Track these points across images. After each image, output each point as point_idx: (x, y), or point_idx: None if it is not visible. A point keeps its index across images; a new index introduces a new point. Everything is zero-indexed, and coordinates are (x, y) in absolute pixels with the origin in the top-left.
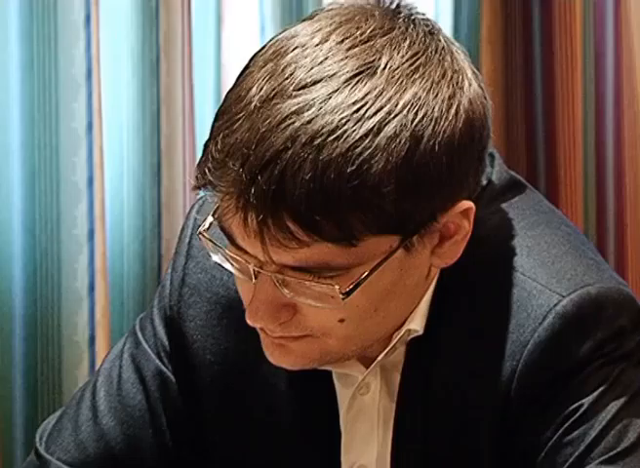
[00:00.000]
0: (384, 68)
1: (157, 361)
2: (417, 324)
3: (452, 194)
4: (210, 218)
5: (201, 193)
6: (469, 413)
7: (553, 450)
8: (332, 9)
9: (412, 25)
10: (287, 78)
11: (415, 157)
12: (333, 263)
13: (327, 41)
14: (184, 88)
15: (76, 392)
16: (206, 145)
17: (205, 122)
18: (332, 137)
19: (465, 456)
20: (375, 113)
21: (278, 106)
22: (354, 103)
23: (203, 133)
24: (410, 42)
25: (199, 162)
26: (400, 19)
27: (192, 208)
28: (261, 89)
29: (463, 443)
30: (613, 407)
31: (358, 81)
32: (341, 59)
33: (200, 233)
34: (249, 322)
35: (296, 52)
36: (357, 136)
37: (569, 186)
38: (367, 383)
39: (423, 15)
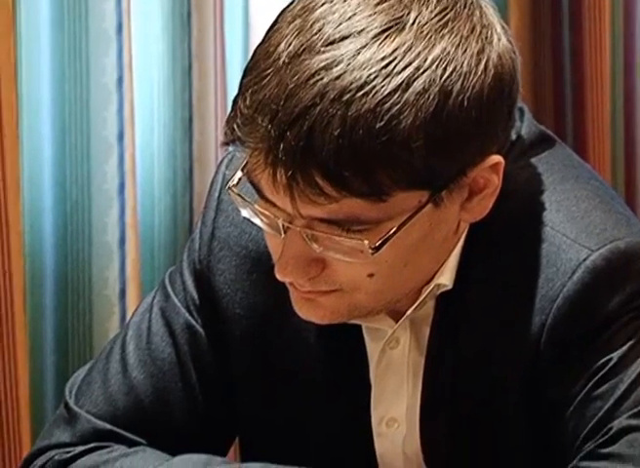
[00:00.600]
0: (413, 24)
1: (187, 314)
2: (446, 278)
3: (481, 149)
4: (239, 173)
5: (230, 148)
6: (498, 367)
7: (582, 405)
8: None
9: None
10: (315, 34)
11: (444, 112)
12: (362, 218)
13: None
14: (216, 42)
15: (105, 345)
16: (235, 101)
17: (236, 77)
18: (360, 93)
19: (494, 409)
20: (403, 68)
21: (306, 62)
22: (383, 59)
23: (234, 88)
24: None
25: (228, 118)
26: None
27: (221, 163)
28: (290, 44)
29: (492, 396)
30: None
31: (387, 36)
32: (370, 15)
33: (229, 188)
34: (278, 276)
35: (324, 7)
36: (386, 92)
37: (597, 140)
38: (396, 337)
39: None
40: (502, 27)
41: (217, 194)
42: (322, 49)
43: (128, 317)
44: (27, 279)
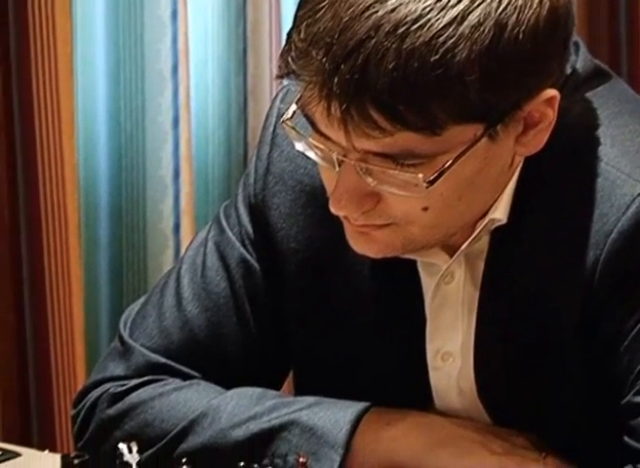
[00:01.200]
0: None
1: (241, 249)
2: (500, 213)
3: (536, 83)
4: (293, 107)
5: (284, 82)
6: (552, 302)
7: (636, 339)
8: None
9: None
10: None
11: (499, 46)
12: (416, 151)
13: None
14: None
15: (160, 279)
16: (289, 34)
17: (290, 9)
18: (415, 26)
19: (547, 344)
20: (458, 2)
21: None
22: None
23: (288, 20)
24: None
25: (282, 51)
26: None
27: (276, 97)
28: None
29: (546, 331)
30: None
31: None
32: None
33: (284, 121)
34: (332, 210)
35: None
36: (441, 25)
37: None
38: (451, 272)
39: None
40: None
41: (271, 128)
42: None
43: (182, 251)
44: (82, 212)
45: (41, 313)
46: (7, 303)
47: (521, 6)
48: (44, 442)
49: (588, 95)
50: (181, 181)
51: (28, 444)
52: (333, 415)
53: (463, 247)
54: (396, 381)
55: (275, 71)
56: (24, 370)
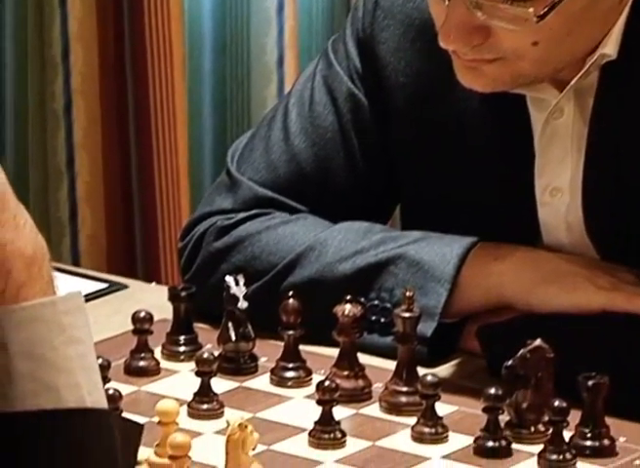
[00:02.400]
0: None
1: (349, 83)
2: (610, 48)
3: None
4: None
5: None
6: None
7: None
8: None
9: None
10: None
11: None
12: None
13: None
14: None
15: (268, 112)
16: None
17: None
18: None
19: None
20: None
21: None
22: None
23: None
24: None
25: None
26: None
27: None
28: None
29: None
30: None
31: None
32: None
33: None
34: (441, 44)
35: None
36: None
37: None
38: (560, 107)
39: None
40: None
41: None
42: None
43: (286, 85)
44: (187, 45)
45: (145, 146)
46: (111, 140)
47: None
48: (149, 275)
49: None
50: (285, 14)
51: (134, 276)
52: (440, 250)
53: (573, 82)
54: (505, 217)
55: None
56: (129, 203)
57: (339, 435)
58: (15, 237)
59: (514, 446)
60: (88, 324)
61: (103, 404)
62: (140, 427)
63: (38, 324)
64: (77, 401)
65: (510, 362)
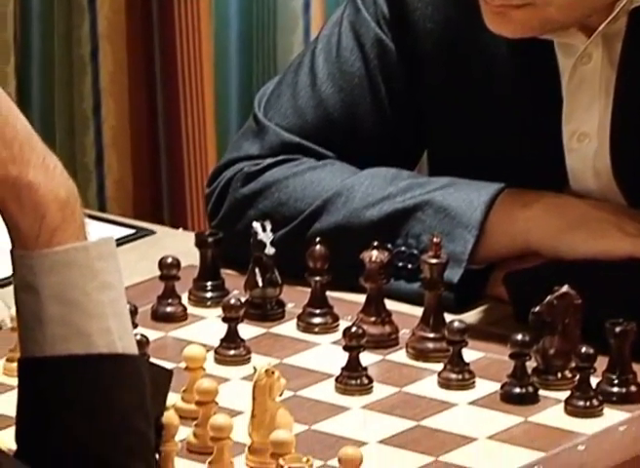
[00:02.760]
0: None
1: (377, 29)
2: None
3: None
4: None
5: None
6: None
7: None
8: None
9: None
10: None
11: None
12: None
13: None
14: None
15: (295, 58)
16: None
17: None
18: None
19: None
20: None
21: None
22: None
23: None
24: None
25: None
26: None
27: None
28: None
29: None
30: None
31: None
32: None
33: None
34: None
35: None
36: None
37: None
38: (588, 53)
39: None
40: None
41: None
42: None
43: (312, 31)
44: None
45: (172, 91)
46: (137, 85)
47: None
48: (176, 221)
49: None
50: None
51: (160, 222)
52: (467, 196)
53: (601, 27)
54: (532, 164)
55: None
56: (156, 149)
57: (365, 381)
58: (46, 179)
59: (541, 392)
60: (119, 269)
61: (134, 349)
62: (169, 373)
63: (70, 269)
64: (108, 346)
65: (537, 308)
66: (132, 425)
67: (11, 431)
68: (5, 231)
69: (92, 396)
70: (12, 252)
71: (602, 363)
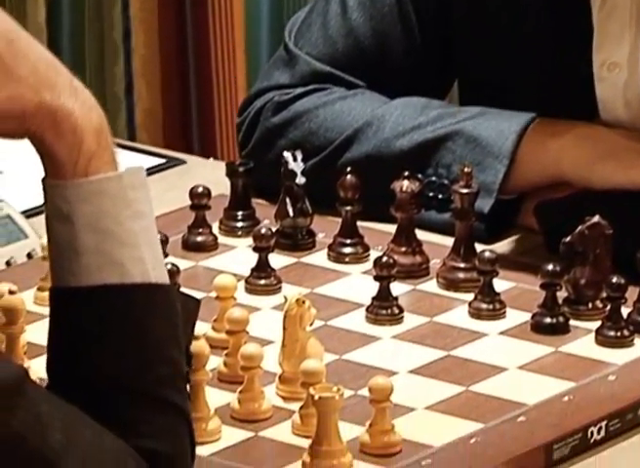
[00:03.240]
0: None
1: None
2: None
3: None
4: None
5: None
6: None
7: None
8: None
9: None
10: None
11: None
12: None
13: None
14: None
15: None
16: None
17: None
18: None
19: None
20: None
21: None
22: None
23: None
24: None
25: None
26: None
27: None
28: None
29: None
30: None
31: None
32: None
33: None
34: None
35: None
36: None
37: None
38: None
39: None
40: None
41: None
42: None
43: None
44: None
45: (202, 19)
46: (167, 12)
47: None
48: (206, 150)
49: None
50: None
51: (190, 152)
52: (498, 126)
53: None
54: (562, 93)
55: None
56: (186, 78)
57: (396, 311)
58: (78, 104)
59: (572, 322)
60: (150, 199)
61: (166, 279)
62: (197, 302)
63: (104, 198)
64: (142, 275)
65: (568, 238)
66: (165, 354)
67: (41, 360)
68: (27, 162)
69: (125, 326)
70: (44, 181)
71: (633, 293)
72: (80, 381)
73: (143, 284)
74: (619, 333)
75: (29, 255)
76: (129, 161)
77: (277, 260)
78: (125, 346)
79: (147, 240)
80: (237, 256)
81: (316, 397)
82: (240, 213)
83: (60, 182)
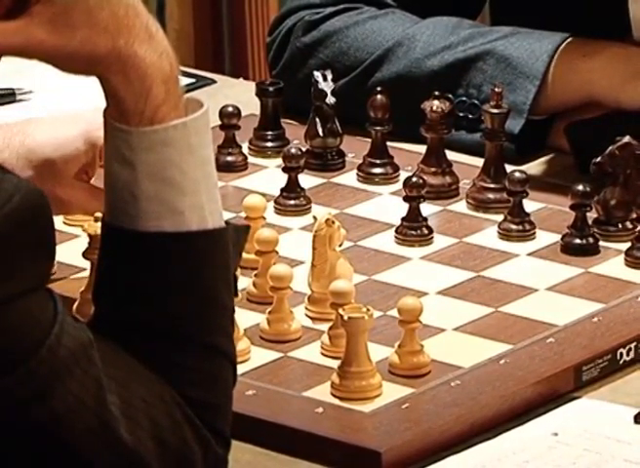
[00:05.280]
0: None
1: None
2: None
3: None
4: None
5: None
6: None
7: None
8: None
9: None
10: None
11: None
12: None
13: None
14: None
15: None
16: None
17: None
18: None
19: None
20: None
21: None
22: None
23: None
24: None
25: None
26: None
27: None
28: None
29: None
30: None
31: None
32: None
33: None
34: None
35: None
36: None
37: None
38: None
39: None
40: None
41: None
42: None
43: None
44: None
45: None
46: None
47: None
48: (236, 70)
49: None
50: None
51: (221, 72)
52: (529, 46)
53: None
54: (594, 13)
55: None
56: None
57: (425, 231)
58: (151, 49)
59: (601, 243)
60: (211, 141)
61: (221, 221)
62: (247, 228)
63: (169, 147)
64: (199, 222)
65: (599, 159)
66: (217, 300)
67: (71, 280)
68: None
69: (179, 273)
70: (106, 116)
71: None
72: (128, 323)
73: (200, 231)
74: None
75: None
76: None
77: (307, 181)
78: (178, 293)
79: (208, 185)
80: (267, 176)
81: (345, 317)
82: (270, 133)
83: (124, 127)
